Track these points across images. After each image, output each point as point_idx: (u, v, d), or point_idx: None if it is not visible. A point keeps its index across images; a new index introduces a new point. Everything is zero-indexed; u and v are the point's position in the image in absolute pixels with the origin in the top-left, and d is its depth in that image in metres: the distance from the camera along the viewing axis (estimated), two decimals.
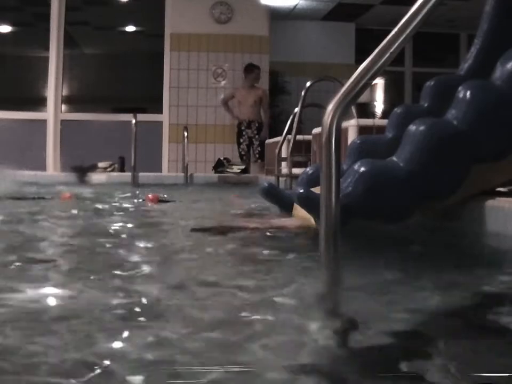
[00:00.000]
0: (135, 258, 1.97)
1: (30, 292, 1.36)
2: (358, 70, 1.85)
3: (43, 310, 1.24)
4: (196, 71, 9.46)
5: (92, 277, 1.56)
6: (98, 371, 0.87)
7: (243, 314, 1.22)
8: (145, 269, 1.72)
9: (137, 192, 5.51)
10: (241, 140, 8.93)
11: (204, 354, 0.97)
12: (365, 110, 10.72)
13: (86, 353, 0.94)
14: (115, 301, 1.28)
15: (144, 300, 1.31)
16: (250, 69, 8.90)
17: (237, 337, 1.06)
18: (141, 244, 2.28)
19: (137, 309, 1.23)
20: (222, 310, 1.26)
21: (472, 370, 0.92)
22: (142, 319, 1.17)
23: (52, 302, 1.33)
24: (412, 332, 1.14)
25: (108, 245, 2.18)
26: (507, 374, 0.90)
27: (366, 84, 1.84)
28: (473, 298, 1.40)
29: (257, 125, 8.83)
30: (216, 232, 2.56)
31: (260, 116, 8.90)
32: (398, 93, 11.91)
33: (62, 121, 9.48)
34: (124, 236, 2.59)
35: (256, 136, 8.79)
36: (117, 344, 1.01)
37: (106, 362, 0.90)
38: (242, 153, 8.92)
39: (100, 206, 3.95)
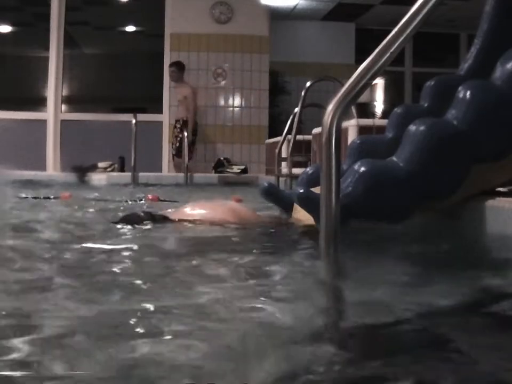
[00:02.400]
0: None
1: None
2: (358, 70, 1.85)
3: None
4: (196, 71, 9.46)
5: None
6: None
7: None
8: None
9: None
10: (174, 140, 8.84)
11: None
12: (365, 110, 10.72)
13: None
14: None
15: None
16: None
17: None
18: None
19: None
20: None
21: (473, 370, 0.92)
22: None
23: None
24: (410, 331, 1.14)
25: None
26: None
27: (366, 84, 1.84)
28: (472, 298, 1.40)
29: (181, 122, 8.64)
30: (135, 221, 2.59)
31: (186, 114, 8.70)
32: (398, 93, 11.91)
33: (62, 121, 9.47)
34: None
35: (180, 136, 8.52)
36: None
37: None
38: (173, 152, 8.83)
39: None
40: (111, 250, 1.97)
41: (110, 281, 1.49)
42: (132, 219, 2.63)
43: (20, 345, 0.96)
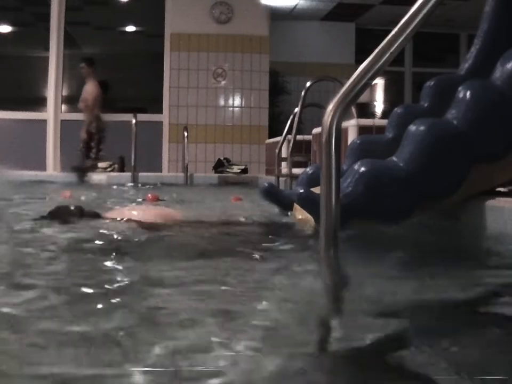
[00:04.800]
0: None
1: None
2: (358, 70, 1.85)
3: None
4: (196, 71, 9.46)
5: None
6: None
7: None
8: None
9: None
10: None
11: None
12: (365, 110, 10.72)
13: None
14: None
15: None
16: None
17: None
18: None
19: None
20: None
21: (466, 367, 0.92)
22: None
23: None
24: (408, 330, 1.14)
25: None
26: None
27: (366, 84, 1.84)
28: (471, 298, 1.40)
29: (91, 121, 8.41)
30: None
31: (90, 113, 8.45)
32: (398, 93, 11.91)
33: (62, 121, 9.47)
34: None
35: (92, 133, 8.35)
36: None
37: None
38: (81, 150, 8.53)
39: None
40: None
41: None
42: (59, 213, 2.56)
43: None
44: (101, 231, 2.32)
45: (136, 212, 2.72)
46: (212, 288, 1.45)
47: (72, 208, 2.65)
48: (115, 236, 2.23)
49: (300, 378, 0.89)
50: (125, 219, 2.57)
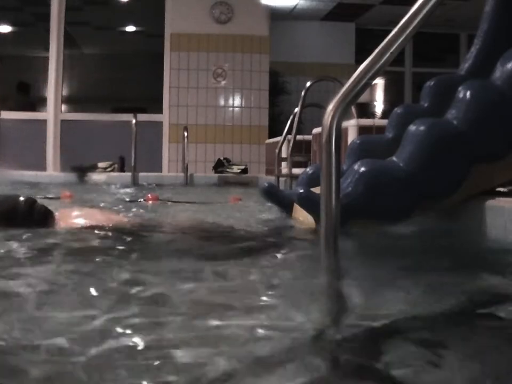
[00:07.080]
0: None
1: None
2: (358, 70, 1.85)
3: None
4: (196, 71, 9.46)
5: None
6: None
7: None
8: None
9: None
10: None
11: None
12: (365, 110, 10.72)
13: None
14: None
15: None
16: None
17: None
18: None
19: None
20: None
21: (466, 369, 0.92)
22: None
23: None
24: (406, 330, 1.14)
25: None
26: None
27: (366, 84, 1.84)
28: (471, 298, 1.40)
29: None
30: None
31: None
32: (398, 93, 11.91)
33: (62, 121, 9.47)
34: None
35: None
36: None
37: None
38: None
39: None
40: None
41: None
42: (4, 209, 2.26)
43: None
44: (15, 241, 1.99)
45: (78, 215, 2.48)
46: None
47: (19, 203, 2.28)
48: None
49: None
50: (62, 224, 2.34)
